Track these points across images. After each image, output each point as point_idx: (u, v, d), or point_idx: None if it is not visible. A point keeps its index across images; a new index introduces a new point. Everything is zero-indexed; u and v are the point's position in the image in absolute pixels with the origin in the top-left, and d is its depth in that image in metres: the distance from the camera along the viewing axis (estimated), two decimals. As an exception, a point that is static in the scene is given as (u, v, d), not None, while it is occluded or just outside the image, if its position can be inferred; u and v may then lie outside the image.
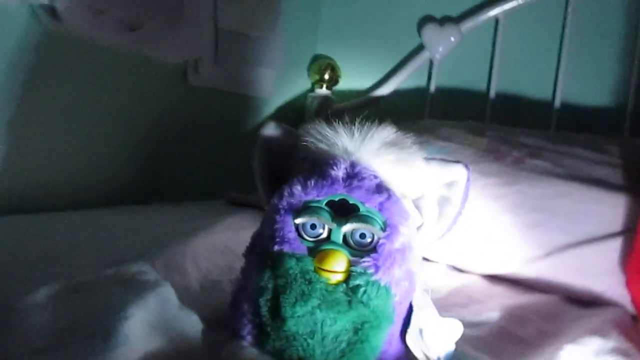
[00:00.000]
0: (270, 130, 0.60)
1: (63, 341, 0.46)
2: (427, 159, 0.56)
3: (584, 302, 0.80)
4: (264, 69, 1.46)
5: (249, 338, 0.52)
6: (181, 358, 0.49)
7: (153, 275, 0.57)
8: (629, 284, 0.76)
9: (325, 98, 1.58)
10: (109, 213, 0.92)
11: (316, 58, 1.64)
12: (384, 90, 1.56)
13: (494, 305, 0.74)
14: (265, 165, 0.59)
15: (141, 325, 0.48)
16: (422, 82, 1.51)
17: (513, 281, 0.86)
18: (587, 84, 1.32)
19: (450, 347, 0.55)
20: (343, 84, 1.61)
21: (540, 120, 1.31)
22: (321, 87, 1.59)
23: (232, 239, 0.78)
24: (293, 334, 0.49)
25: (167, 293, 0.54)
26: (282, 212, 0.52)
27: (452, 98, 1.47)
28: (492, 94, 1.41)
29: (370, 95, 1.56)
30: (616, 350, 0.60)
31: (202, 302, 0.61)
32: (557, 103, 1.33)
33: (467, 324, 0.65)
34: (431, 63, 1.50)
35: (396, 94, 1.54)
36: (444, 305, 0.72)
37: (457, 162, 0.56)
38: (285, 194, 0.53)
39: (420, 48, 1.50)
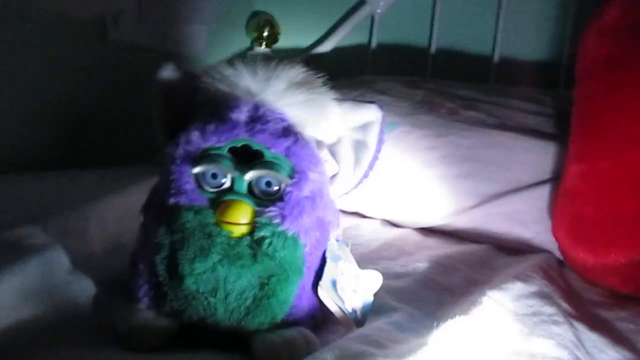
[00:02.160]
0: (167, 72, 0.54)
1: None
2: (338, 100, 0.52)
3: (515, 250, 0.80)
4: (196, 25, 1.38)
5: (145, 300, 0.48)
6: (65, 324, 0.45)
7: (41, 239, 0.52)
8: (554, 229, 0.76)
9: (264, 56, 1.51)
10: (11, 179, 0.84)
11: (254, 14, 1.57)
12: (325, 47, 1.51)
13: (423, 257, 0.72)
14: (163, 113, 0.54)
15: (12, 292, 0.43)
16: (363, 39, 1.47)
17: (446, 233, 0.85)
18: (525, 38, 1.31)
19: (368, 299, 0.52)
20: (282, 42, 1.55)
21: (480, 76, 1.30)
22: (260, 45, 1.52)
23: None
24: (192, 293, 0.46)
25: (55, 257, 0.49)
26: (178, 161, 0.48)
27: (393, 54, 1.44)
28: (433, 49, 1.39)
29: (311, 52, 1.51)
30: (537, 294, 0.59)
31: (104, 267, 0.57)
32: (496, 57, 1.33)
33: (392, 276, 0.63)
34: (372, 19, 1.45)
35: (337, 51, 1.49)
36: (372, 259, 0.69)
37: (371, 102, 0.52)
38: (182, 141, 0.48)
39: (361, 3, 1.45)
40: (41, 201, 0.71)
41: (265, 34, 1.51)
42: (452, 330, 0.47)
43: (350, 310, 0.50)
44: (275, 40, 1.53)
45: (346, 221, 0.88)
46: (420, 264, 0.69)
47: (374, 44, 1.44)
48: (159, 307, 0.47)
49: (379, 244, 0.78)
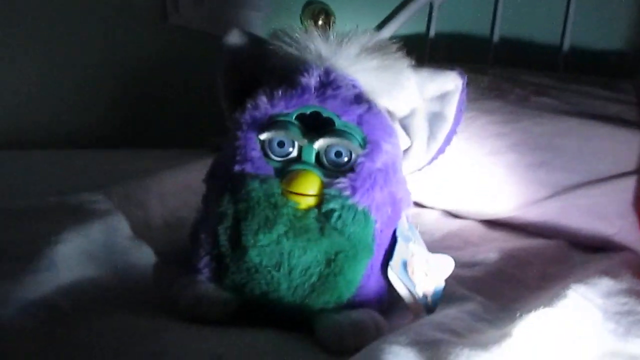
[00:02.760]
0: (234, 37, 0.51)
1: None
2: (415, 67, 0.48)
3: (592, 247, 0.73)
4: (251, 11, 1.37)
5: (206, 272, 0.45)
6: (125, 289, 0.43)
7: (104, 205, 0.51)
8: (642, 225, 0.69)
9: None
10: (77, 154, 0.86)
11: (309, 3, 1.54)
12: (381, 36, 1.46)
13: (492, 248, 0.67)
14: (230, 79, 0.52)
15: (75, 252, 0.41)
16: (421, 28, 1.41)
17: (514, 226, 0.79)
18: (598, 25, 1.22)
19: (439, 285, 0.48)
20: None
21: (547, 66, 1.22)
22: (314, 33, 1.49)
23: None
24: (255, 266, 0.43)
25: (117, 223, 0.48)
26: (245, 127, 0.45)
27: (452, 44, 1.38)
28: (496, 38, 1.32)
29: (366, 42, 1.46)
30: (629, 292, 0.53)
31: (163, 238, 0.55)
32: (566, 46, 1.24)
33: (461, 264, 0.58)
34: (431, 6, 1.40)
35: (393, 40, 1.44)
36: (437, 248, 0.65)
37: (451, 69, 0.48)
38: (249, 106, 0.46)
39: (419, -9, 1.40)
40: (105, 172, 0.72)
41: (320, 22, 1.49)
42: (537, 323, 0.42)
43: (420, 295, 0.45)
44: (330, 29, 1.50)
45: (405, 210, 0.84)
46: (490, 255, 0.64)
47: (432, 33, 1.39)
48: (220, 280, 0.44)
49: (442, 234, 0.74)
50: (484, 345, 0.37)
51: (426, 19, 1.39)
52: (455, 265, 0.59)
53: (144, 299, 0.44)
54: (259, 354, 0.39)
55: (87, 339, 0.36)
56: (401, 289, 0.45)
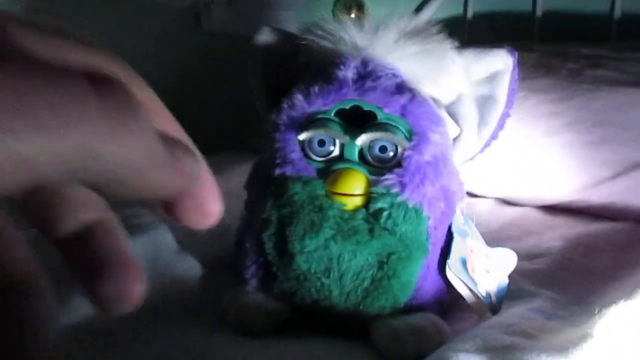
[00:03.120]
0: (266, 35, 0.49)
1: None
2: (459, 48, 0.44)
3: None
4: (283, 11, 1.35)
5: (253, 281, 0.43)
6: (172, 303, 0.42)
7: (147, 218, 0.50)
8: None
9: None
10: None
11: (341, -3, 1.51)
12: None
13: (555, 236, 0.62)
14: (263, 78, 0.50)
15: None
16: (457, 10, 1.36)
17: (576, 211, 0.74)
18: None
19: (503, 281, 0.44)
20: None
21: (597, 37, 1.14)
22: (347, 27, 1.46)
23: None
24: (304, 273, 0.40)
25: (162, 236, 0.47)
26: (283, 128, 0.43)
27: (492, 24, 1.32)
28: (539, 12, 1.25)
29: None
30: None
31: (208, 247, 0.54)
32: (617, 13, 1.16)
33: (523, 256, 0.54)
34: (467, -14, 1.34)
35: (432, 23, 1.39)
36: (495, 239, 0.61)
37: (499, 46, 0.44)
38: (285, 106, 0.43)
39: (452, -28, 1.34)
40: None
41: (353, 16, 1.46)
42: (619, 319, 0.38)
43: (484, 293, 0.42)
44: (364, 22, 1.47)
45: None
46: (554, 244, 0.60)
47: (469, 14, 1.33)
48: (269, 289, 0.43)
49: (499, 224, 0.69)
50: (562, 349, 0.34)
51: (463, 0, 1.34)
52: (517, 258, 0.55)
53: (192, 312, 0.43)
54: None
55: (135, 358, 0.35)
56: (462, 289, 0.42)
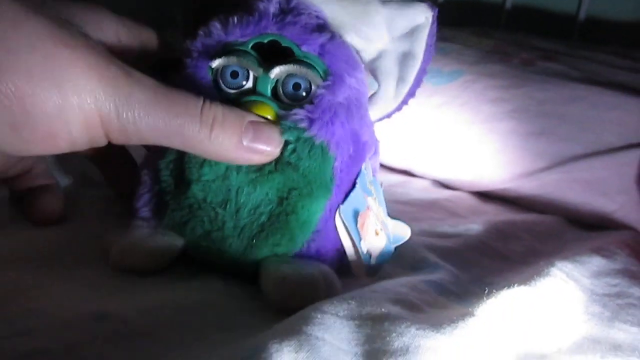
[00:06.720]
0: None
1: None
2: (384, 1, 0.41)
3: (591, 225, 0.67)
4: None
5: (144, 211, 0.41)
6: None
7: None
8: (646, 202, 0.63)
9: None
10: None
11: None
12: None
13: (478, 221, 0.61)
14: (187, 11, 0.46)
15: None
16: (430, -8, 1.33)
17: (508, 200, 0.73)
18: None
19: (389, 249, 0.42)
20: None
21: (561, 35, 1.14)
22: None
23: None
24: (198, 202, 0.38)
25: None
26: (195, 55, 0.40)
27: (462, 11, 1.30)
28: (509, 4, 1.24)
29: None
30: (622, 272, 0.47)
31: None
32: (582, 15, 1.16)
33: (437, 234, 0.53)
34: (441, -30, 1.31)
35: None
36: (415, 218, 0.59)
37: (421, 0, 0.41)
38: (201, 33, 0.40)
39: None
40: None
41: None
42: (507, 301, 0.37)
43: (365, 251, 0.40)
44: None
45: (392, 178, 0.78)
46: (473, 226, 0.58)
47: (441, -2, 1.31)
48: (159, 220, 0.40)
49: (427, 203, 0.67)
50: (437, 325, 0.31)
51: (435, -19, 1.31)
52: (431, 235, 0.53)
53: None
54: (182, 310, 0.34)
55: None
56: (345, 239, 0.39)
